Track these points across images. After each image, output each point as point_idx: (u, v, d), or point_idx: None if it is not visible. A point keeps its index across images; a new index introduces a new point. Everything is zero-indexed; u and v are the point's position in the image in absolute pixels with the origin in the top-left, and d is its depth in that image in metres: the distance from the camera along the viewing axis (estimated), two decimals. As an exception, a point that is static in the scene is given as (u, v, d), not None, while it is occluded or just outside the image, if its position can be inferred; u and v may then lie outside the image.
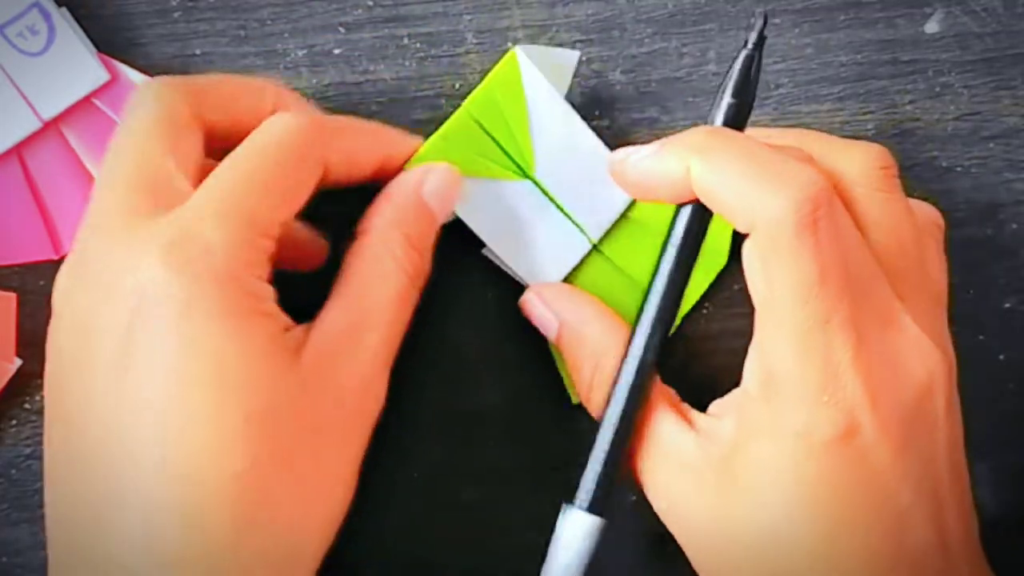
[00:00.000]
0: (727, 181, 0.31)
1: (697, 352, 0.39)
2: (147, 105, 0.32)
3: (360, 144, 0.34)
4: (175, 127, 0.32)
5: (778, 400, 0.31)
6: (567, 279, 0.38)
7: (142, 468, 0.29)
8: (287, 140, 0.32)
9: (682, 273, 0.33)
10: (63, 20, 0.36)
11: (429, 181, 0.35)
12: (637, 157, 0.34)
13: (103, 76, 0.37)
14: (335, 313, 0.32)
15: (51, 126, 0.37)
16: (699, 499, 0.32)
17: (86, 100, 0.37)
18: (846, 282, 0.30)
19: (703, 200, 0.32)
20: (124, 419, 0.29)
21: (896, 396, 0.30)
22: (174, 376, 0.29)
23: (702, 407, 0.34)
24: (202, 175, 0.32)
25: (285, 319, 0.31)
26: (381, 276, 0.33)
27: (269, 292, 0.31)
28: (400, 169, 0.36)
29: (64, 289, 0.31)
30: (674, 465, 0.32)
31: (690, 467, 0.32)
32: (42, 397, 0.37)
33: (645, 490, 0.34)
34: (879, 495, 0.31)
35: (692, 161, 0.32)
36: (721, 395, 0.33)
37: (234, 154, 0.32)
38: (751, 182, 0.31)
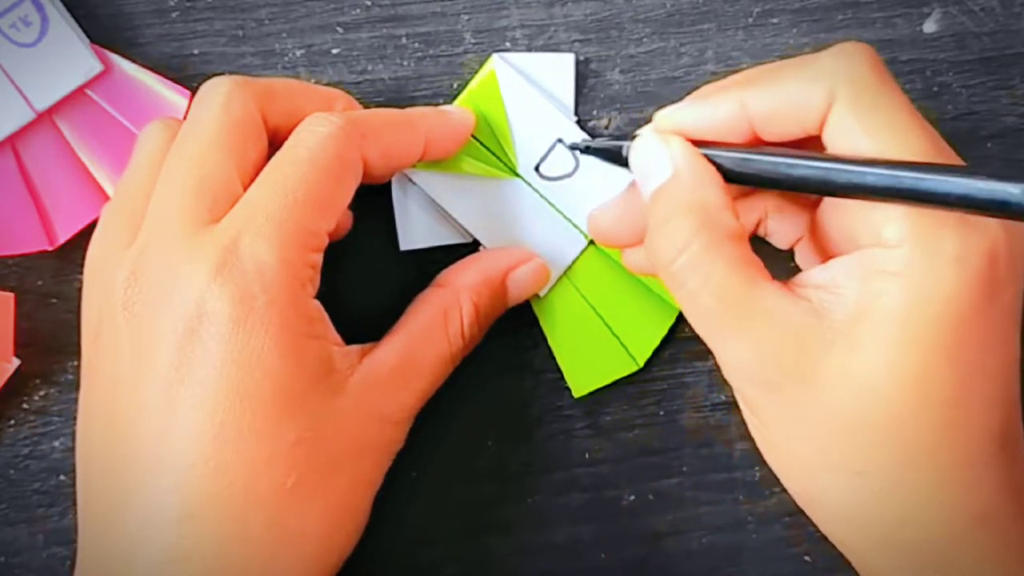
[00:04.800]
0: (791, 86, 0.31)
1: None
2: (214, 107, 0.32)
3: (399, 138, 0.34)
4: (242, 132, 0.32)
5: (925, 231, 0.29)
6: (566, 276, 0.38)
7: (184, 476, 0.29)
8: (326, 148, 0.32)
9: None
10: (56, 11, 0.36)
11: (520, 270, 0.36)
12: (683, 106, 0.33)
13: (96, 67, 0.37)
14: (390, 350, 0.33)
15: (45, 117, 0.37)
16: (824, 361, 0.30)
17: (80, 91, 0.37)
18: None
19: (767, 124, 0.31)
20: (176, 424, 0.30)
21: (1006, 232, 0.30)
22: (233, 391, 0.29)
23: None
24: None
25: (335, 337, 0.32)
26: (443, 335, 0.34)
27: (320, 312, 0.32)
28: (449, 152, 0.36)
29: (121, 281, 0.31)
30: (789, 334, 0.30)
31: (808, 333, 0.30)
32: (40, 397, 0.37)
33: (739, 371, 0.32)
34: (1008, 333, 0.30)
35: (746, 95, 0.31)
36: None
37: (277, 162, 0.32)
38: (808, 71, 0.31)
